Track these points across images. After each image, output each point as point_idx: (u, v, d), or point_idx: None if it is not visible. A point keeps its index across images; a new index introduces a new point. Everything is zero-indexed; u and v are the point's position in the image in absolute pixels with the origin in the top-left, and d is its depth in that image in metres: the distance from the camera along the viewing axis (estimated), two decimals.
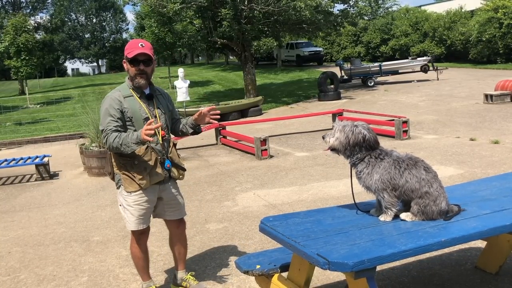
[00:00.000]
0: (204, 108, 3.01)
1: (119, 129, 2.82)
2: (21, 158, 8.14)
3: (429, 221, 2.18)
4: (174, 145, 3.17)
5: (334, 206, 2.65)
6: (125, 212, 3.04)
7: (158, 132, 2.94)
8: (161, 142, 3.00)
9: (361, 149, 2.28)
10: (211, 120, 2.99)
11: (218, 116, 3.00)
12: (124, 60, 2.93)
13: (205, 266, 3.81)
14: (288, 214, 2.47)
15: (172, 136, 3.22)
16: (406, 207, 2.29)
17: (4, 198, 6.73)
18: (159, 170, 2.95)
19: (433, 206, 2.18)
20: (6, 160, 8.07)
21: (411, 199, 2.21)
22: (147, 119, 2.88)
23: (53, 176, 7.94)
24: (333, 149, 2.39)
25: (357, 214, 2.41)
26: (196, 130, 3.13)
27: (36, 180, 7.75)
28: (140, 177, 2.88)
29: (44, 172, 7.79)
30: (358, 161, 2.31)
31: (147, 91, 2.98)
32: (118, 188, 3.05)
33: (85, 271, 3.92)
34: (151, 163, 2.91)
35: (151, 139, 2.62)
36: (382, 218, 2.26)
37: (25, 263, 4.18)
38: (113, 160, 2.97)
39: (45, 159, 7.90)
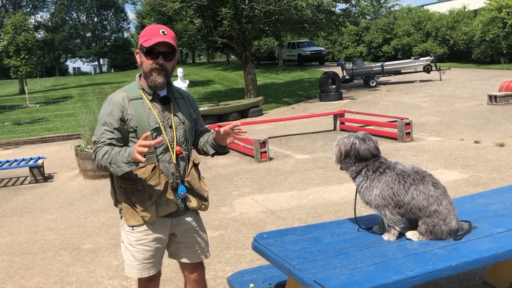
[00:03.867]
0: (225, 126, 2.31)
1: (115, 143, 2.17)
2: (15, 160, 7.96)
3: (437, 241, 1.99)
4: (195, 165, 2.40)
5: (334, 221, 2.46)
6: (125, 252, 2.32)
7: (172, 147, 2.26)
8: (174, 161, 2.26)
9: (352, 160, 2.11)
10: (235, 141, 2.34)
11: (244, 134, 2.35)
12: (137, 50, 2.26)
13: None
14: (284, 230, 2.29)
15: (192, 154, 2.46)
16: (412, 225, 2.10)
17: None
18: (170, 198, 2.24)
19: (442, 225, 1.98)
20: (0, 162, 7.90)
21: (418, 217, 2.02)
22: (157, 129, 2.21)
23: (47, 178, 7.76)
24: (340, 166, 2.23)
25: (359, 231, 2.21)
26: (220, 151, 2.40)
27: (30, 182, 7.57)
28: (144, 207, 2.19)
29: (38, 174, 7.61)
30: (354, 174, 2.12)
31: (162, 93, 2.30)
32: (121, 218, 2.36)
33: (72, 283, 3.74)
34: (159, 188, 2.20)
35: (143, 159, 1.97)
36: (385, 237, 2.07)
37: (10, 273, 3.99)
38: (115, 184, 2.30)
39: (39, 161, 7.72)
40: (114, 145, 2.17)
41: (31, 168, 7.58)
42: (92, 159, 2.14)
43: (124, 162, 2.04)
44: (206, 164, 7.95)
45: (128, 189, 2.21)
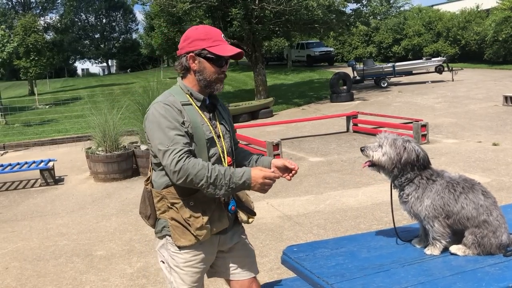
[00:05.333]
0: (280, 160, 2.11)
1: (191, 149, 1.93)
2: (26, 163, 7.87)
3: (486, 257, 1.83)
4: None
5: (367, 232, 2.31)
6: (171, 273, 2.09)
7: (224, 158, 2.06)
8: None
9: (412, 169, 1.90)
10: (288, 177, 2.10)
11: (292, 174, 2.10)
12: (192, 53, 1.99)
13: None
14: (314, 243, 2.14)
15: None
16: (455, 237, 1.94)
17: (7, 205, 6.46)
18: (222, 213, 2.05)
19: (492, 238, 1.82)
20: (10, 165, 7.81)
21: (465, 228, 1.86)
22: (211, 139, 2.01)
23: (58, 181, 7.66)
24: (374, 165, 1.95)
25: (397, 244, 2.06)
26: None
27: (40, 185, 7.47)
28: (199, 225, 1.97)
29: (49, 177, 7.51)
30: (406, 183, 1.92)
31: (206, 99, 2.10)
32: (160, 238, 2.09)
33: None
34: (213, 204, 2.01)
35: (265, 192, 1.92)
36: (428, 251, 1.91)
37: (22, 281, 3.88)
38: (155, 199, 2.05)
39: (50, 164, 7.63)
40: (193, 154, 1.93)
41: (41, 170, 7.49)
42: (174, 171, 1.85)
43: (231, 187, 1.87)
44: None
45: (178, 205, 1.98)
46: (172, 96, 2.00)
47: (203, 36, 1.99)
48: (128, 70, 48.33)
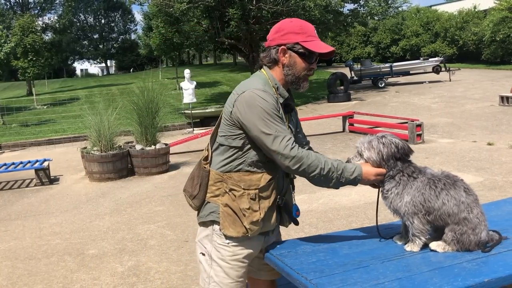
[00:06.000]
0: None
1: None
2: (21, 162, 7.88)
3: (464, 253, 1.84)
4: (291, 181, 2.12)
5: (350, 229, 2.32)
6: (212, 267, 1.99)
7: None
8: (290, 177, 2.06)
9: (396, 161, 1.91)
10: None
11: None
12: (284, 46, 1.90)
13: None
14: (297, 239, 2.14)
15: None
16: (437, 233, 1.95)
17: (1, 205, 6.46)
18: (273, 214, 1.98)
19: (471, 235, 1.83)
20: (5, 164, 7.81)
21: (446, 224, 1.87)
22: None
23: (53, 181, 7.67)
24: None
25: (380, 241, 2.06)
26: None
27: (35, 185, 7.48)
28: (255, 219, 1.90)
29: (44, 177, 7.52)
30: (387, 179, 1.94)
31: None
32: (205, 224, 2.01)
33: None
34: (268, 202, 1.94)
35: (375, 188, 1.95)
36: (408, 248, 1.92)
37: (13, 280, 3.88)
38: (212, 181, 1.96)
39: (45, 164, 7.63)
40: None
41: (36, 170, 7.50)
42: (288, 156, 1.81)
43: (342, 182, 1.86)
44: None
45: (237, 193, 1.89)
46: (266, 87, 1.90)
47: (297, 30, 1.90)
48: (131, 70, 48.41)
